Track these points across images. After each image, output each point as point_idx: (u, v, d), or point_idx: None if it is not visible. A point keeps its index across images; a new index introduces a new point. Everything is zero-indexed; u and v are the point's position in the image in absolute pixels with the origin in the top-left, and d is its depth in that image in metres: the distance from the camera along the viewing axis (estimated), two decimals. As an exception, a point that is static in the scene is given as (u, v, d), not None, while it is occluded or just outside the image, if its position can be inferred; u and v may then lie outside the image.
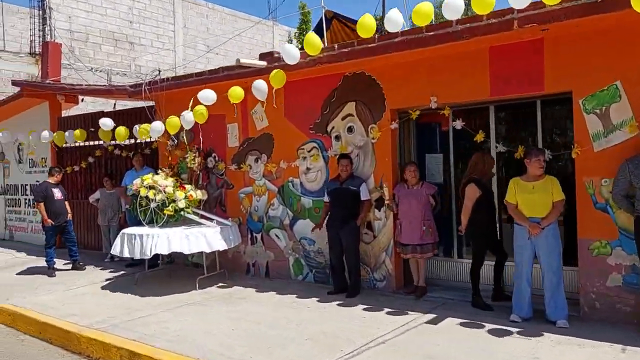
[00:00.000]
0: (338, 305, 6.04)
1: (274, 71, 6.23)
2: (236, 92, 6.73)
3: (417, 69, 6.11)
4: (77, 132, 9.36)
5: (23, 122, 11.50)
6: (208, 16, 18.22)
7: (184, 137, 8.30)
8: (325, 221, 6.66)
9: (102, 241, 10.21)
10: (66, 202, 8.78)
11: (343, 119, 6.79)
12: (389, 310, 5.72)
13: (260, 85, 6.45)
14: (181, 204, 7.35)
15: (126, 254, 7.18)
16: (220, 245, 7.14)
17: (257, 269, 7.75)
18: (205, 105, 6.81)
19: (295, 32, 21.05)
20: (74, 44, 14.79)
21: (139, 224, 8.38)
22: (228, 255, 7.72)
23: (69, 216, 8.69)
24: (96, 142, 10.20)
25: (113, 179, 9.53)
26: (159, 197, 7.36)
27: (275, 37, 20.48)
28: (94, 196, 9.61)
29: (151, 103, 8.83)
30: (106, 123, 8.13)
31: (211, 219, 7.49)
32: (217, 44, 17.10)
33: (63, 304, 6.66)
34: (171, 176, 7.82)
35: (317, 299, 6.32)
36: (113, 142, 9.37)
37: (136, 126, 8.53)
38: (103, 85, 10.91)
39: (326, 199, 6.69)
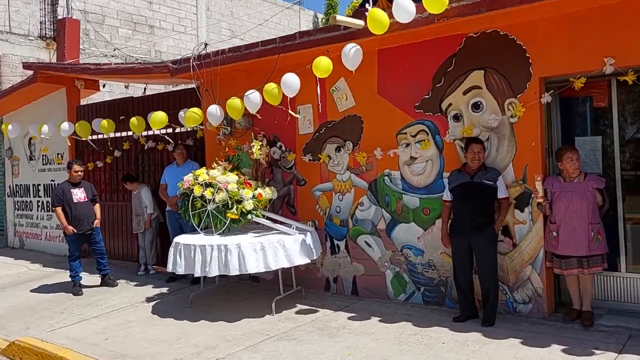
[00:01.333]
0: (484, 338, 4.49)
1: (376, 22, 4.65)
2: (323, 64, 5.19)
3: (584, 22, 4.57)
4: (105, 122, 7.77)
5: (35, 113, 9.92)
6: (232, -1, 16.62)
7: (241, 124, 6.78)
8: (448, 226, 5.11)
9: (130, 249, 8.68)
10: (95, 205, 7.21)
11: (465, 92, 5.23)
12: (563, 347, 4.18)
13: (352, 52, 4.92)
14: (248, 205, 5.79)
15: (182, 270, 5.62)
16: (302, 258, 5.60)
17: (340, 285, 6.20)
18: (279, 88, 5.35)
19: (322, 18, 19.52)
20: (89, 27, 13.19)
21: (182, 230, 6.87)
22: (300, 267, 6.17)
23: (97, 222, 7.12)
24: (123, 134, 8.64)
25: (134, 180, 7.98)
26: (219, 196, 5.80)
27: (302, 22, 18.90)
28: None
29: (192, 85, 7.28)
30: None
31: (287, 224, 5.93)
32: (241, 29, 15.54)
33: (106, 336, 5.11)
34: (231, 170, 6.26)
35: (446, 328, 4.78)
36: (145, 132, 7.82)
37: (182, 112, 7.01)
38: (139, 63, 9.32)
39: (447, 196, 5.14)
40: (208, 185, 5.95)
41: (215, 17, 15.75)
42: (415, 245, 5.60)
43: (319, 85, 5.46)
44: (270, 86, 5.56)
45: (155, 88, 9.56)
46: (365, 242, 5.99)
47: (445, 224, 5.14)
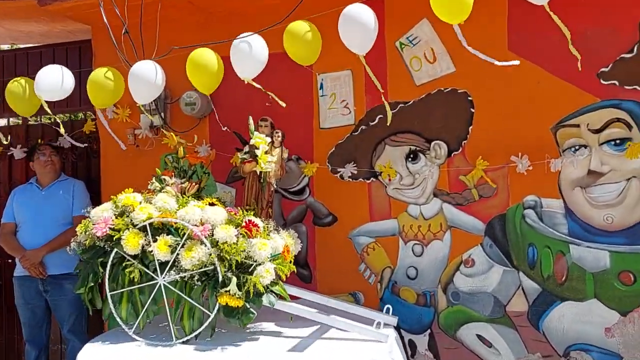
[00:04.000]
0: None
1: None
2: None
3: None
4: None
5: None
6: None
7: (196, 106, 3.51)
8: None
9: None
10: None
11: None
12: None
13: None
14: (267, 274, 2.52)
15: None
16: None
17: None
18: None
19: None
20: None
21: (46, 322, 3.53)
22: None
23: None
24: None
25: None
26: (189, 256, 2.46)
27: None
28: None
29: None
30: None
31: (347, 312, 2.77)
32: None
33: None
34: (197, 196, 2.93)
35: None
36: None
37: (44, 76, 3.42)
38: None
39: None
40: (157, 230, 2.58)
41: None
42: (601, 345, 2.85)
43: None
44: (299, 27, 2.45)
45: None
46: (479, 336, 3.08)
47: None
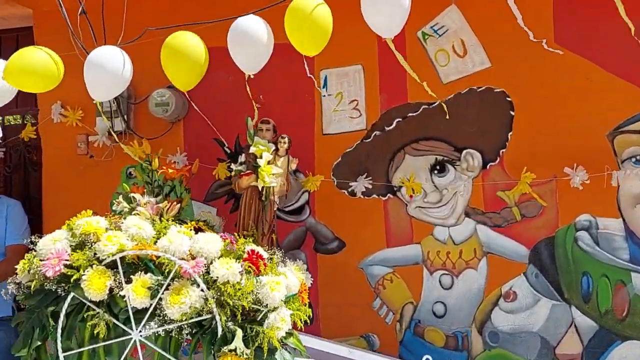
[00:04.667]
0: None
1: None
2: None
3: None
4: None
5: None
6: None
7: (169, 107, 2.87)
8: None
9: None
10: None
11: None
12: None
13: None
14: (283, 324, 1.90)
15: None
16: None
17: None
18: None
19: None
20: None
21: None
22: None
23: None
24: None
25: None
26: (178, 302, 1.81)
27: None
28: None
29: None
30: None
31: None
32: None
33: None
34: (179, 220, 2.26)
35: None
36: None
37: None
38: None
39: None
40: (131, 267, 1.92)
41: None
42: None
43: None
44: (306, 3, 1.89)
45: None
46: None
47: None
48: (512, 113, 2.60)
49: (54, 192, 3.12)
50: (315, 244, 2.83)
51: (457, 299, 2.64)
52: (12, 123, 3.54)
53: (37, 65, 2.11)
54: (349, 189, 2.75)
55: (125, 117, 2.95)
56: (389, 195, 2.73)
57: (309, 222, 2.84)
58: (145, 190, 2.40)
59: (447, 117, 2.19)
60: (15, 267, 1.96)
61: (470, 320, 2.62)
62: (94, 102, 2.50)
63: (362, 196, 2.75)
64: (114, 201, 2.34)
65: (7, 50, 3.39)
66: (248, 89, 2.09)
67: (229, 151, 2.87)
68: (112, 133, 2.71)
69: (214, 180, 2.92)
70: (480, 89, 2.63)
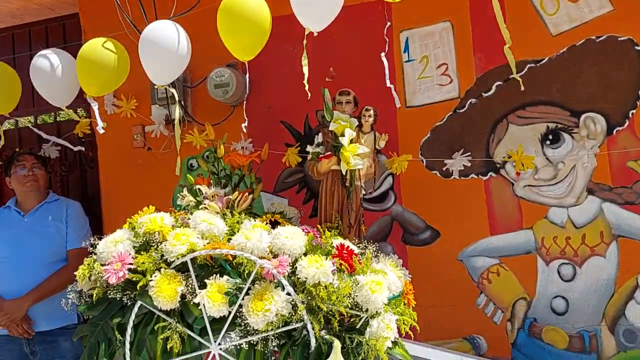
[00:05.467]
0: None
1: None
2: None
3: None
4: None
5: None
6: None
7: (230, 89, 2.53)
8: None
9: None
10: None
11: None
12: None
13: None
14: (389, 331, 1.55)
15: None
16: None
17: None
18: None
19: None
20: None
21: None
22: None
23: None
24: None
25: None
26: (279, 304, 1.50)
27: None
28: None
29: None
30: None
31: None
32: None
33: None
34: (251, 213, 1.94)
35: None
36: None
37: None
38: None
39: None
40: (204, 269, 1.60)
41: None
42: None
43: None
44: None
45: None
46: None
47: None
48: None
49: (112, 190, 2.88)
50: (404, 235, 2.46)
51: (582, 293, 2.20)
52: (63, 119, 3.34)
53: (108, 62, 1.93)
54: (443, 169, 2.36)
55: (183, 103, 2.66)
56: (490, 173, 2.32)
57: (394, 210, 2.47)
58: (211, 181, 2.09)
59: (522, 88, 1.77)
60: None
61: (600, 316, 2.19)
62: (155, 87, 2.25)
63: (458, 177, 2.35)
64: (178, 195, 2.05)
65: (54, 40, 3.20)
66: (305, 57, 1.73)
67: (298, 136, 2.54)
68: (177, 120, 2.40)
69: (283, 168, 2.60)
70: (601, 39, 2.17)
